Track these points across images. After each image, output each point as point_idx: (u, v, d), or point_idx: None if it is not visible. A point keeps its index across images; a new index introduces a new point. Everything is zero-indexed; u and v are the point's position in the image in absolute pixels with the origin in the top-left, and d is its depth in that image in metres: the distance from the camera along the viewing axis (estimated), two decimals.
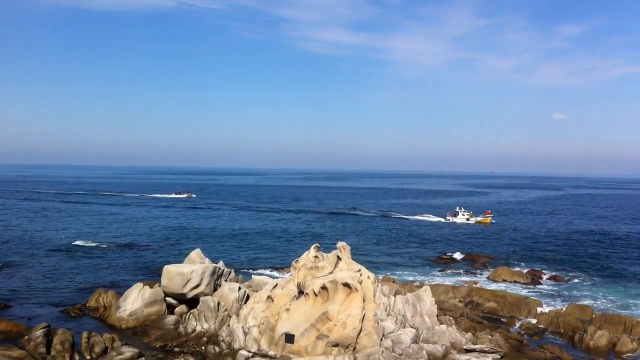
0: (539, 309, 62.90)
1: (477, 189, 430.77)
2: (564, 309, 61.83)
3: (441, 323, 49.62)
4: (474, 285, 71.85)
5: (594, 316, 58.48)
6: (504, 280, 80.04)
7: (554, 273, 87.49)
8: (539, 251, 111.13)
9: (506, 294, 66.87)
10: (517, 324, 58.55)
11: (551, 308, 64.54)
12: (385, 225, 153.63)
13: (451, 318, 53.75)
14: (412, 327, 45.93)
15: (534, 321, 59.51)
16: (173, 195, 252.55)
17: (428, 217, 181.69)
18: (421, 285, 63.59)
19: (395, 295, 50.56)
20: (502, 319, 60.12)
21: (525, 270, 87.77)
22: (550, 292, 75.53)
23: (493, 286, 75.76)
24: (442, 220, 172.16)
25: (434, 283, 75.02)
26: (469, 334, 49.15)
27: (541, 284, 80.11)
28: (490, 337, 48.73)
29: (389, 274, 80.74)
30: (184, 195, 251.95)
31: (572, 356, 47.24)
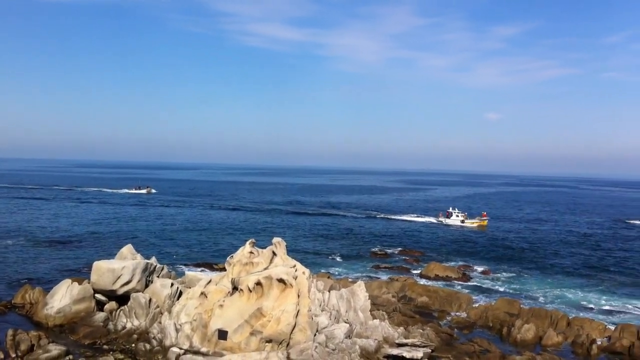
0: (469, 303, 64.38)
1: (412, 186, 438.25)
2: (494, 303, 63.56)
3: (374, 318, 50.13)
4: (407, 281, 72.91)
5: (521, 310, 60.30)
6: (436, 276, 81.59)
7: (484, 268, 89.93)
8: (469, 246, 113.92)
9: (438, 289, 68.22)
10: (448, 318, 59.78)
11: (481, 302, 66.30)
12: (322, 221, 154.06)
13: (384, 313, 54.38)
14: (345, 322, 46.21)
15: (464, 315, 60.89)
16: (133, 191, 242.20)
17: (419, 217, 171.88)
18: (355, 280, 64.07)
19: (329, 291, 50.73)
20: (433, 314, 61.21)
21: (456, 265, 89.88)
22: (481, 286, 77.54)
23: (426, 281, 77.24)
24: (434, 221, 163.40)
25: (368, 278, 75.99)
26: (401, 328, 49.85)
27: (472, 279, 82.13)
28: (421, 331, 49.57)
29: (324, 270, 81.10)
30: (144, 191, 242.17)
31: (500, 349, 48.50)
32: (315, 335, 42.50)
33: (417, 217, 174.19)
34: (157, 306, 49.43)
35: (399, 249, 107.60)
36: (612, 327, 55.70)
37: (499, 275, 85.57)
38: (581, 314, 62.66)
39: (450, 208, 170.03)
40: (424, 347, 45.14)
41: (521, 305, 62.10)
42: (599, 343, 51.33)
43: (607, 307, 68.46)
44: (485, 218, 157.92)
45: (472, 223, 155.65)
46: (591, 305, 69.03)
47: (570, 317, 58.25)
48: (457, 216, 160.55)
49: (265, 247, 50.22)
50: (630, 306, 69.18)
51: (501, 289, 76.12)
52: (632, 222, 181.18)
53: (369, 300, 51.62)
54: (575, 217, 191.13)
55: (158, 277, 55.63)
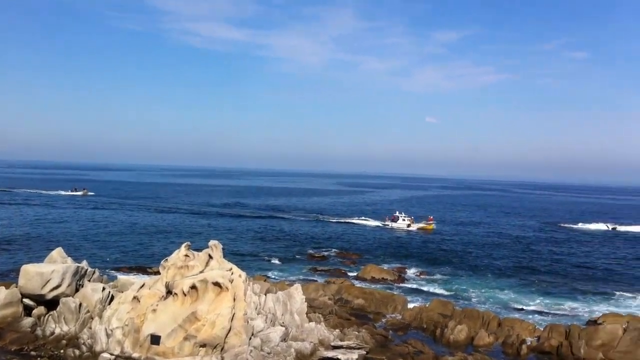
0: (404, 305, 65.16)
1: (349, 188, 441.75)
2: (428, 304, 64.52)
3: (310, 320, 50.18)
4: (344, 283, 73.28)
5: (455, 311, 61.43)
6: (373, 278, 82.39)
7: (420, 270, 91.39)
8: (406, 249, 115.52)
9: (374, 291, 68.81)
10: (383, 320, 60.37)
11: (416, 304, 67.17)
12: (260, 224, 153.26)
13: (320, 315, 54.52)
14: (281, 326, 46.08)
15: (399, 317, 61.61)
16: (70, 193, 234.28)
17: (359, 220, 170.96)
18: (292, 283, 63.99)
19: (266, 294, 50.49)
20: (369, 316, 61.66)
21: (393, 268, 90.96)
22: (416, 288, 78.74)
23: (362, 283, 77.85)
24: (379, 224, 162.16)
25: (305, 281, 75.99)
26: (337, 330, 50.06)
27: (407, 281, 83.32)
28: (357, 333, 49.92)
29: (261, 272, 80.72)
30: (80, 193, 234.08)
31: (433, 350, 49.29)
32: (250, 339, 42.21)
33: (357, 219, 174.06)
34: (88, 311, 48.07)
35: (336, 251, 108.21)
36: (542, 328, 57.36)
37: (434, 277, 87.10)
38: (512, 315, 64.34)
39: (397, 212, 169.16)
40: (358, 349, 45.47)
41: (454, 307, 63.27)
42: (528, 343, 52.82)
43: (537, 308, 70.57)
44: (431, 222, 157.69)
45: (418, 227, 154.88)
46: (522, 306, 71.00)
47: (501, 318, 59.64)
48: (404, 220, 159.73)
49: (201, 250, 49.58)
50: (559, 306, 71.51)
51: (436, 291, 77.49)
52: (562, 225, 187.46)
53: (306, 303, 51.60)
54: (508, 220, 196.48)
55: (89, 281, 54.06)
